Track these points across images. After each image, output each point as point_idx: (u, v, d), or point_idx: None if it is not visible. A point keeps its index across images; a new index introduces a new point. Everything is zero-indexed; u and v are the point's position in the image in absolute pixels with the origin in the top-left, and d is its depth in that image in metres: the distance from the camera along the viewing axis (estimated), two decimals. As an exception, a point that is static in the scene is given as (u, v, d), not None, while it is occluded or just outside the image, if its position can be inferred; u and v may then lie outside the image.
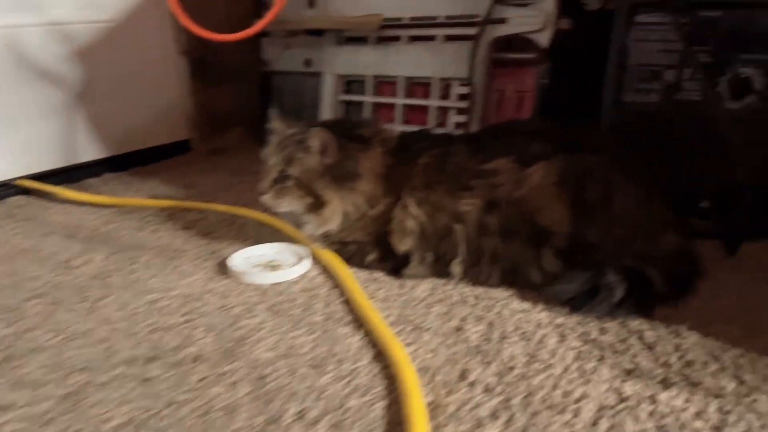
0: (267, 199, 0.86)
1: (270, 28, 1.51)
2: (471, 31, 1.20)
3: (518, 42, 1.19)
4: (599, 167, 0.79)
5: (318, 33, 1.46)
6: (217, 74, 1.59)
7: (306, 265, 0.86)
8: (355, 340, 0.67)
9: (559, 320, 0.71)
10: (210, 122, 1.61)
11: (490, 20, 1.17)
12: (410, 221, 0.82)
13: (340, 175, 0.83)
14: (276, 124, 0.90)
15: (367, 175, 0.84)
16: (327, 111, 1.45)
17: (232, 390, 0.58)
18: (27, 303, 0.77)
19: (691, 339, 0.66)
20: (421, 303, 0.76)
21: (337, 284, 0.81)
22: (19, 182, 1.24)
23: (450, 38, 1.27)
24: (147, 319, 0.72)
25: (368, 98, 1.39)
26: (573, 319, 0.71)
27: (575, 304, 0.72)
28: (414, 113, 1.35)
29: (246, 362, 0.63)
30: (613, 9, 1.08)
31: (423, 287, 0.80)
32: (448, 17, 1.25)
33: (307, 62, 1.49)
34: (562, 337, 0.67)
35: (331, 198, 0.83)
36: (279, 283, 0.82)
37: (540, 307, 0.74)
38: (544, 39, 1.13)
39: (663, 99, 1.03)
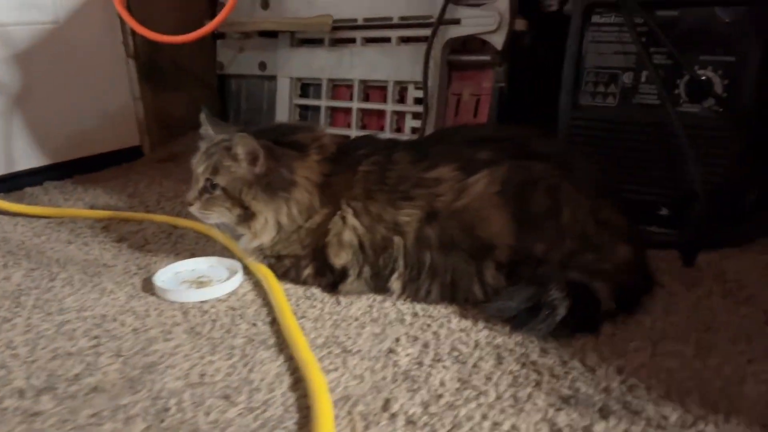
0: (194, 210, 0.80)
1: (224, 29, 1.45)
2: (425, 32, 1.15)
3: (474, 44, 1.15)
4: (546, 175, 0.74)
5: (272, 35, 1.40)
6: (169, 78, 1.52)
7: (237, 281, 0.80)
8: (275, 366, 0.61)
9: (499, 340, 0.66)
10: (163, 127, 1.55)
11: (443, 21, 1.12)
12: (348, 233, 0.76)
13: (273, 185, 0.77)
14: (206, 129, 0.84)
15: (303, 183, 0.79)
16: (283, 115, 1.39)
17: (124, 427, 0.52)
18: (-75, 326, 0.70)
19: (637, 360, 0.61)
20: (355, 322, 0.70)
21: (267, 302, 0.75)
22: (-52, 192, 1.17)
23: (404, 40, 1.22)
24: (51, 344, 0.66)
25: (324, 102, 1.34)
26: (514, 339, 0.66)
27: (516, 322, 0.67)
28: (371, 118, 1.30)
29: (149, 393, 0.57)
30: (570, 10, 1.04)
31: (359, 305, 0.74)
32: (402, 18, 1.21)
33: (262, 65, 1.44)
34: (500, 360, 0.62)
35: (261, 209, 0.77)
36: (205, 302, 0.76)
37: (481, 325, 0.69)
38: (498, 41, 1.08)
39: (621, 103, 0.99)
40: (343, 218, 0.77)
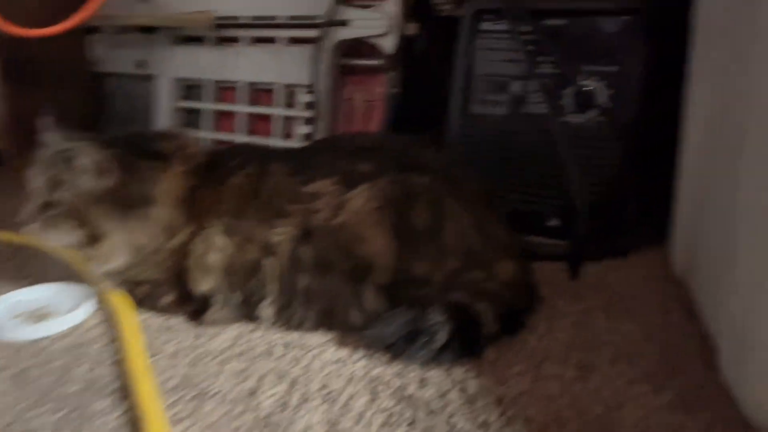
0: (32, 230, 0.69)
1: (98, 23, 1.32)
2: (314, 33, 1.09)
3: (366, 47, 1.10)
4: (429, 189, 0.70)
5: (152, 30, 1.29)
6: (35, 76, 1.37)
7: (84, 312, 0.70)
8: (112, 419, 0.53)
9: (376, 371, 0.60)
10: (29, 131, 1.39)
11: (331, 22, 1.06)
12: (213, 255, 0.69)
13: (126, 201, 0.68)
14: (49, 137, 0.73)
15: (164, 199, 0.70)
16: (163, 119, 1.28)
17: None
18: None
19: (517, 387, 0.58)
20: (216, 358, 0.62)
21: (116, 337, 0.66)
22: None
23: (293, 41, 1.15)
24: None
25: (208, 105, 1.24)
26: (392, 370, 0.61)
27: (394, 350, 0.62)
28: (258, 123, 1.22)
29: (-54, 463, 0.47)
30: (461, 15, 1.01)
31: (225, 336, 0.67)
32: (289, 17, 1.13)
33: (140, 63, 1.32)
34: (374, 396, 0.56)
35: (110, 229, 0.68)
36: (43, 338, 0.65)
37: (358, 355, 0.63)
38: (388, 44, 1.04)
39: (510, 111, 0.97)
40: (209, 238, 0.69)
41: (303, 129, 1.16)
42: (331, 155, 0.75)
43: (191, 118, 1.28)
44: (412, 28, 1.06)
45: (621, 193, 0.91)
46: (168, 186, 0.70)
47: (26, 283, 0.77)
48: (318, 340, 0.66)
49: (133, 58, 1.32)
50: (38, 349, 0.63)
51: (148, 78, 1.31)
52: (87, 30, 1.36)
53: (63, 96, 1.41)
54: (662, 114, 0.88)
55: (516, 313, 0.68)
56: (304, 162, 0.74)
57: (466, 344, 0.62)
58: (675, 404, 0.56)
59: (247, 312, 0.69)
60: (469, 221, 0.70)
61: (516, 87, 0.97)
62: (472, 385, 0.58)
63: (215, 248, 0.69)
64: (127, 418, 0.53)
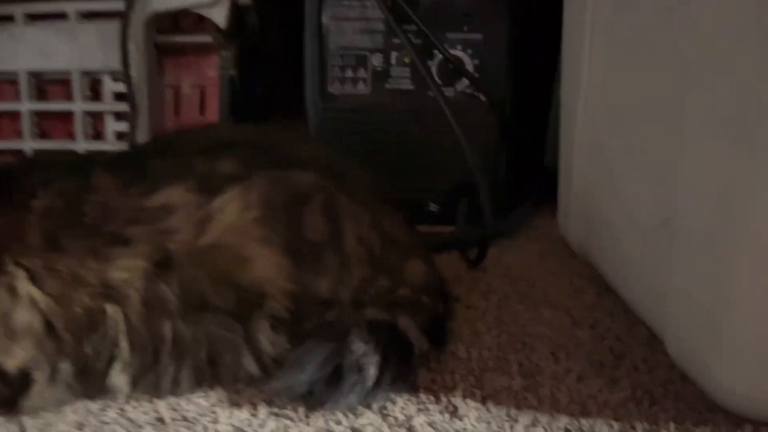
0: None
1: None
2: (116, 5, 0.86)
3: (189, 22, 0.91)
4: (317, 186, 0.56)
5: None
6: None
7: None
8: None
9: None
10: None
11: (141, -11, 0.85)
12: (22, 312, 0.47)
13: None
14: None
15: None
16: None
17: None
18: None
19: (471, 416, 0.48)
20: (56, 465, 0.42)
21: None
22: None
23: (88, 16, 0.91)
24: None
25: (-26, 105, 0.94)
26: (313, 426, 0.46)
27: (313, 400, 0.48)
28: (53, 123, 0.96)
29: None
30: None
31: (60, 428, 0.46)
32: (81, -15, 0.89)
33: None
34: (303, 470, 0.42)
35: None
36: None
37: (263, 415, 0.48)
38: (220, 17, 0.86)
39: (373, 89, 0.86)
40: (11, 288, 0.47)
41: (115, 126, 0.92)
42: (174, 156, 0.57)
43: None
44: (246, -4, 0.89)
45: (499, 171, 0.86)
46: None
47: None
48: (202, 405, 0.49)
49: None
50: None
51: None
52: None
53: None
54: (537, 84, 0.84)
55: (438, 321, 0.58)
56: (139, 167, 0.56)
57: (400, 373, 0.50)
58: (637, 398, 0.50)
59: (91, 385, 0.49)
60: (367, 220, 0.58)
61: (376, 61, 0.86)
62: (419, 424, 0.47)
63: (23, 302, 0.48)
64: None
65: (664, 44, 0.53)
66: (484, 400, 0.50)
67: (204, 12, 0.86)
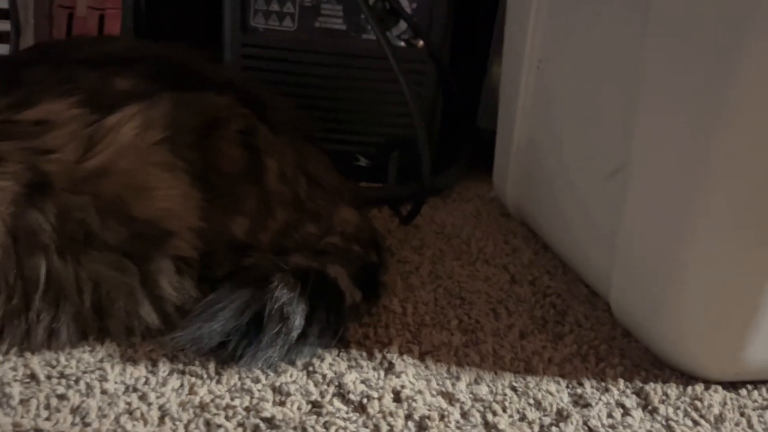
0: None
1: None
2: None
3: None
4: (234, 113, 0.48)
5: None
6: None
7: None
8: None
9: (203, 393, 0.38)
10: None
11: None
12: None
13: None
14: None
15: None
16: None
17: None
18: None
19: (408, 373, 0.42)
20: None
21: None
22: None
23: None
24: None
25: None
26: (227, 385, 0.39)
27: (230, 353, 0.40)
28: None
29: None
30: None
31: None
32: None
33: None
34: (213, 435, 0.35)
35: None
36: None
37: (164, 371, 0.39)
38: None
39: (300, 26, 0.78)
40: None
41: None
42: (59, 66, 0.47)
43: None
44: None
45: (434, 126, 0.81)
46: None
47: None
48: (87, 361, 0.40)
49: None
50: None
51: None
52: None
53: None
54: (475, 33, 0.79)
55: (371, 272, 0.51)
56: (12, 76, 0.45)
57: (329, 325, 0.43)
58: (583, 353, 0.47)
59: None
60: (291, 157, 0.51)
61: (305, -5, 0.78)
62: (352, 381, 0.40)
63: None
64: None
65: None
66: (422, 357, 0.44)
67: None
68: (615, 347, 0.48)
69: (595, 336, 0.49)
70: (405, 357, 0.44)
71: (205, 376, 0.39)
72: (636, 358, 0.47)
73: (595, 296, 0.55)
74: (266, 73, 0.77)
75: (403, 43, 0.77)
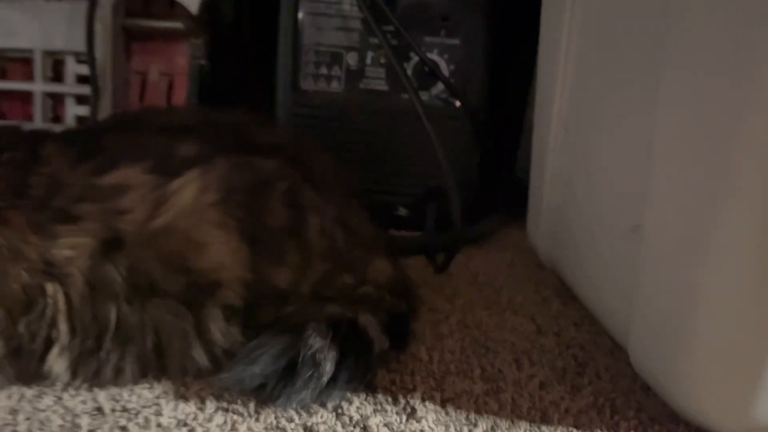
0: None
1: None
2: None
3: (160, 7, 0.88)
4: (281, 175, 0.54)
5: None
6: None
7: None
8: None
9: (244, 430, 0.43)
10: None
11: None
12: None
13: None
14: None
15: None
16: None
17: None
18: None
19: (429, 419, 0.46)
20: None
21: None
22: None
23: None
24: None
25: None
26: (264, 423, 0.44)
27: (266, 395, 0.45)
28: (12, 103, 0.91)
29: None
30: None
31: (-11, 414, 0.43)
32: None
33: None
34: (249, 468, 0.39)
35: None
36: None
37: (211, 408, 0.45)
38: (192, 3, 0.84)
39: (347, 87, 0.85)
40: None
41: (76, 110, 0.89)
42: (133, 134, 0.55)
43: None
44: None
45: (471, 177, 0.85)
46: None
47: None
48: (147, 397, 0.46)
49: None
50: None
51: None
52: None
53: None
54: (512, 92, 0.84)
55: (401, 322, 0.56)
56: (94, 143, 0.53)
57: (358, 371, 0.48)
58: (599, 405, 0.49)
59: (25, 368, 0.45)
60: (332, 213, 0.56)
61: (351, 59, 0.85)
62: (375, 424, 0.44)
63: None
64: None
65: (639, 51, 0.53)
66: (443, 403, 0.48)
67: (177, -3, 0.84)
68: (632, 400, 0.50)
69: (614, 388, 0.51)
70: (427, 403, 0.47)
71: (245, 414, 0.44)
72: (653, 412, 0.49)
73: (618, 348, 0.57)
74: (315, 129, 0.84)
75: (441, 102, 0.83)
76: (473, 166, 0.85)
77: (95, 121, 0.79)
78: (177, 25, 0.86)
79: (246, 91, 0.91)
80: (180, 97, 0.88)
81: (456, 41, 0.83)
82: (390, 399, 0.48)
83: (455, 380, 0.51)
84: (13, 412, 0.43)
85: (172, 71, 0.88)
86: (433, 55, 0.83)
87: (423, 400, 0.48)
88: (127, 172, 0.50)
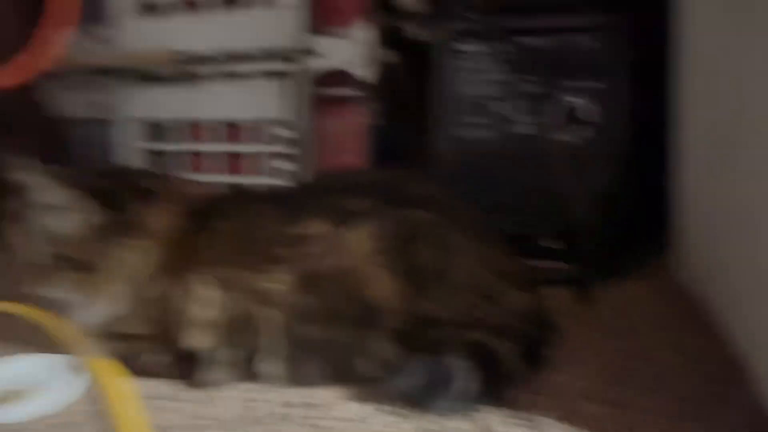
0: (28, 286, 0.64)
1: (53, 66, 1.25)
2: (289, 66, 1.05)
3: (342, 76, 1.06)
4: (431, 224, 0.66)
5: (112, 72, 1.23)
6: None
7: (66, 388, 0.62)
8: None
9: (393, 429, 0.55)
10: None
11: (306, 52, 1.03)
12: (210, 308, 0.63)
13: (118, 236, 0.64)
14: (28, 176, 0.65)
15: (158, 236, 0.65)
16: (127, 161, 1.21)
17: None
18: None
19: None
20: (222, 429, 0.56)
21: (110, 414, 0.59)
22: None
23: (266, 74, 1.11)
24: None
25: (178, 146, 1.19)
26: (411, 424, 0.56)
27: (414, 401, 0.57)
28: (236, 162, 1.17)
29: None
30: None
31: (229, 403, 0.60)
32: (261, 51, 1.09)
33: (100, 106, 1.25)
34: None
35: (107, 266, 0.64)
36: (19, 423, 0.58)
37: (372, 409, 0.58)
38: (368, 73, 1.00)
39: (496, 133, 0.95)
40: (204, 289, 0.63)
41: (285, 166, 1.11)
42: (317, 193, 0.72)
43: (156, 159, 1.22)
44: (389, 55, 1.03)
45: (618, 210, 0.89)
46: (156, 225, 0.66)
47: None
48: (324, 396, 0.61)
49: (91, 101, 1.25)
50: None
51: (108, 121, 1.25)
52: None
53: (16, 143, 1.32)
54: (653, 127, 0.86)
55: (536, 348, 0.64)
56: (292, 201, 0.70)
57: (488, 387, 0.58)
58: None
59: (246, 370, 0.63)
60: (475, 253, 0.67)
61: (500, 107, 0.94)
62: (503, 433, 0.54)
63: (211, 301, 0.63)
64: None
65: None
66: (569, 421, 0.55)
67: (353, 69, 1.01)
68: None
69: (749, 422, 0.53)
70: (550, 420, 0.55)
71: (399, 416, 0.57)
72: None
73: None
74: (466, 173, 0.94)
75: (585, 142, 0.88)
76: (618, 201, 0.89)
77: (296, 184, 0.99)
78: (356, 91, 1.03)
79: (412, 143, 1.05)
80: (359, 153, 1.05)
81: (601, 85, 0.89)
82: (516, 415, 0.56)
83: (583, 402, 0.58)
84: (247, 404, 0.60)
85: (353, 131, 1.06)
86: (578, 99, 0.90)
87: (549, 417, 0.56)
88: (313, 224, 0.65)
